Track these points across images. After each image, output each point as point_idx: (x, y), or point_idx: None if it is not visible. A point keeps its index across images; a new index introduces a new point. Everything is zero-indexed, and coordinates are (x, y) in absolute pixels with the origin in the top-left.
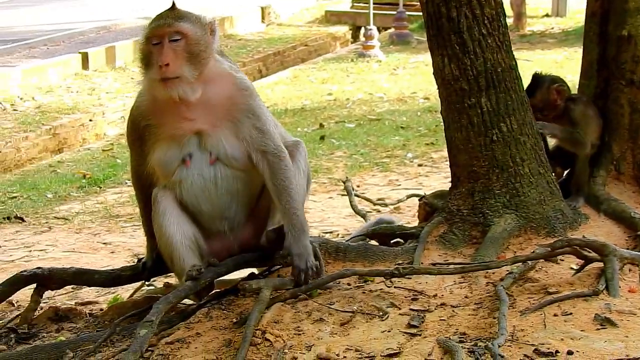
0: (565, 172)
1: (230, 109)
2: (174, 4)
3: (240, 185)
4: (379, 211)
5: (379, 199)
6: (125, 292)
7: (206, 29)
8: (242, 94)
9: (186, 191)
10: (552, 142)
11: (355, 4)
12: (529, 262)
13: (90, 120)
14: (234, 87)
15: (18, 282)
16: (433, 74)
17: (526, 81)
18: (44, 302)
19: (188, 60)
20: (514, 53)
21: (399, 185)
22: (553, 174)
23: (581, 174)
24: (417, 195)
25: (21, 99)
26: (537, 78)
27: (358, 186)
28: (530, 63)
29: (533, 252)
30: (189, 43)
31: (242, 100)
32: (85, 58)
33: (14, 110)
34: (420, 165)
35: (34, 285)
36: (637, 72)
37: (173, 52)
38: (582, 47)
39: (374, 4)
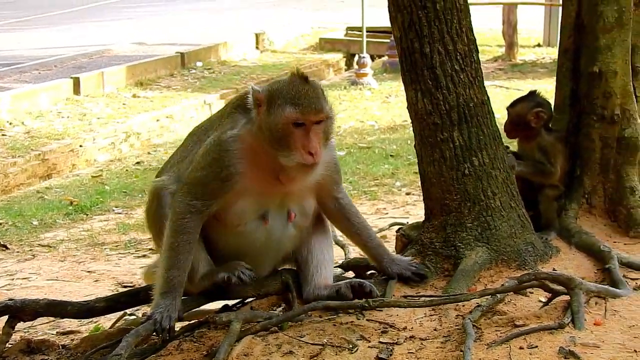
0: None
1: (322, 171)
2: (307, 78)
3: (295, 240)
4: None
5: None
6: (107, 321)
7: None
8: (332, 156)
9: (247, 242)
10: None
11: (349, 32)
12: (497, 295)
13: (81, 146)
14: (330, 153)
15: None
16: (407, 108)
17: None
18: (25, 331)
19: (323, 143)
20: (506, 82)
21: (386, 213)
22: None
23: (547, 211)
24: (400, 224)
25: (10, 123)
26: (530, 94)
27: None
28: (520, 92)
29: (502, 285)
30: (328, 125)
31: (332, 161)
32: (76, 83)
33: (3, 135)
34: (408, 193)
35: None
36: (608, 108)
37: (317, 137)
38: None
39: (367, 32)
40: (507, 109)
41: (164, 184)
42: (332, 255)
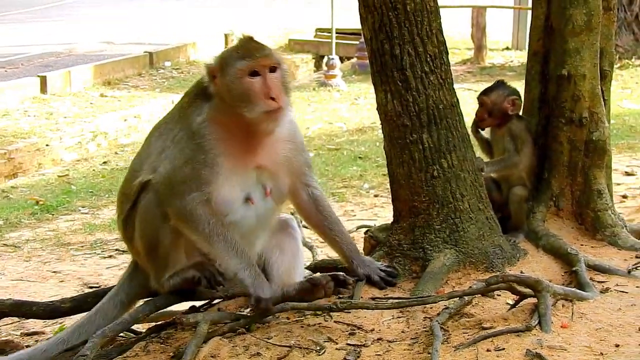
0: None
1: (286, 144)
2: (251, 36)
3: (271, 218)
4: None
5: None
6: (72, 322)
7: None
8: (296, 129)
9: (237, 229)
10: None
11: (318, 34)
12: (465, 297)
13: (47, 145)
14: (290, 123)
15: None
16: (376, 109)
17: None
18: None
19: (284, 91)
20: (475, 85)
21: (354, 215)
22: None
23: (517, 213)
24: (368, 226)
25: None
26: (500, 83)
27: None
28: None
29: (470, 287)
30: (283, 74)
31: (297, 137)
32: (43, 82)
33: None
34: (376, 195)
35: None
36: (576, 111)
37: (275, 85)
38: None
39: (337, 33)
40: (481, 97)
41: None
42: (302, 257)
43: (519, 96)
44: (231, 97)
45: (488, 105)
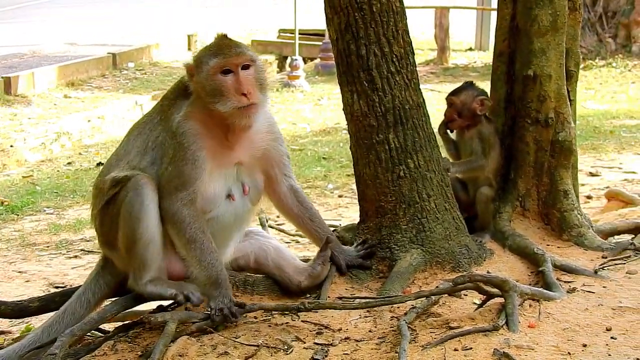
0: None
1: (265, 137)
2: (225, 34)
3: (247, 219)
4: (297, 242)
5: (296, 231)
6: (39, 321)
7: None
8: (273, 122)
9: (215, 224)
10: None
11: (281, 34)
12: (432, 297)
13: (11, 146)
14: (267, 115)
15: None
16: (343, 109)
17: (441, 115)
18: None
19: (258, 88)
20: (438, 86)
21: None
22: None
23: (484, 213)
24: (333, 227)
25: None
26: (468, 83)
27: (278, 216)
28: None
29: (437, 287)
30: (257, 70)
31: (274, 128)
32: (7, 83)
33: None
34: (340, 196)
35: None
36: (542, 111)
37: (248, 81)
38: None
39: (300, 34)
40: (450, 97)
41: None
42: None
43: (488, 97)
44: (205, 94)
45: (457, 105)
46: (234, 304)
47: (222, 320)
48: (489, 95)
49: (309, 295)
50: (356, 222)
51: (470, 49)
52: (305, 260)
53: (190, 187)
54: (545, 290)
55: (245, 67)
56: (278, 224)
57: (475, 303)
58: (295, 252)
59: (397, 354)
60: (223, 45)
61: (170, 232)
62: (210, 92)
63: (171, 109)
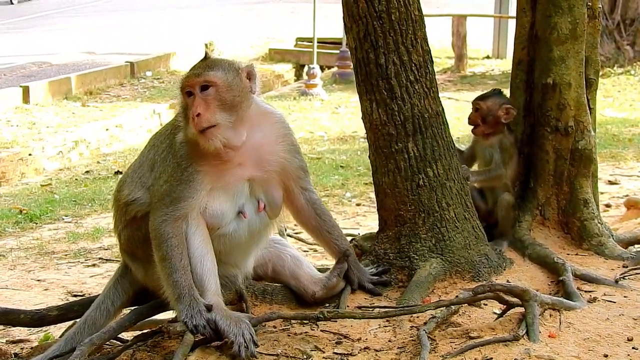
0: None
1: (278, 149)
2: (206, 54)
3: (265, 234)
4: (315, 250)
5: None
6: (57, 330)
7: (241, 73)
8: (288, 133)
9: (229, 241)
10: None
11: (299, 43)
12: (452, 306)
13: (30, 155)
14: (280, 126)
15: None
16: (362, 118)
17: (460, 124)
18: None
19: (221, 108)
20: (455, 94)
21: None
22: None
23: (505, 220)
24: (351, 235)
25: None
26: (496, 91)
27: (296, 225)
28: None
29: (456, 296)
30: (219, 91)
31: (289, 140)
32: (26, 92)
33: None
34: (358, 204)
35: None
36: (561, 120)
37: (204, 102)
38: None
39: (317, 42)
40: (477, 102)
41: (131, 197)
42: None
43: (513, 106)
44: (180, 115)
45: (483, 110)
46: (203, 312)
47: (193, 334)
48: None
49: (328, 305)
50: (374, 230)
51: (488, 57)
52: (322, 270)
53: (179, 204)
54: (565, 300)
55: (204, 88)
56: (296, 233)
57: (495, 313)
58: (313, 260)
59: None
60: (194, 67)
61: (152, 245)
62: (179, 116)
63: (178, 127)
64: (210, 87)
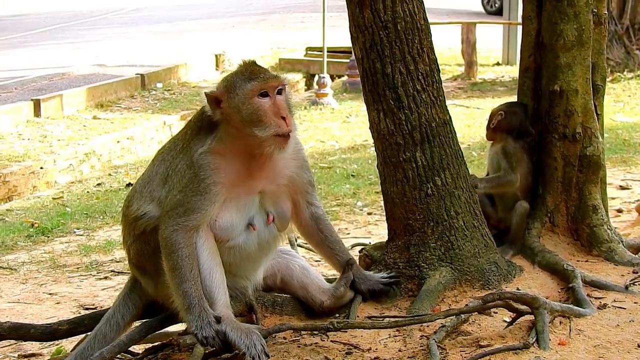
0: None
1: (291, 164)
2: (254, 61)
3: (274, 246)
4: None
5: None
6: (70, 343)
7: None
8: (300, 148)
9: (238, 253)
10: None
11: (309, 52)
12: (462, 315)
13: (41, 168)
14: (294, 141)
15: None
16: (369, 128)
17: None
18: None
19: (291, 114)
20: (466, 101)
21: (348, 234)
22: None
23: (518, 228)
24: (362, 245)
25: None
26: (515, 102)
27: None
28: (480, 111)
29: (466, 305)
30: (287, 96)
31: (301, 155)
32: (37, 105)
33: None
34: (369, 213)
35: None
36: (569, 126)
37: (284, 105)
38: None
39: (327, 52)
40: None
41: (140, 211)
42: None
43: (515, 118)
44: (241, 118)
45: (490, 116)
46: (212, 323)
47: (203, 345)
48: (520, 114)
49: (337, 315)
50: (385, 240)
51: (498, 64)
52: (333, 280)
53: (192, 214)
54: (575, 307)
55: (279, 92)
56: (307, 243)
57: (505, 321)
58: (324, 270)
59: None
60: (256, 70)
61: (162, 256)
62: (247, 117)
63: (194, 139)
64: (283, 91)
